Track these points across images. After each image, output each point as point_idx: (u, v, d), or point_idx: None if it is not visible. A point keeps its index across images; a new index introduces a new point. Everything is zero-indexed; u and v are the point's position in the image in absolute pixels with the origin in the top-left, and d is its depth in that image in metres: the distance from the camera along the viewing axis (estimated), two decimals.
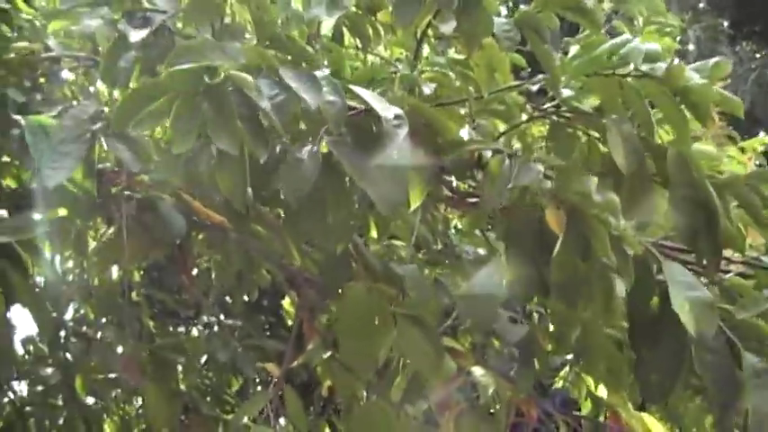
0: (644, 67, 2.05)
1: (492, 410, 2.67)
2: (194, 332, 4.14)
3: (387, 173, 1.81)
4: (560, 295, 1.88)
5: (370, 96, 1.87)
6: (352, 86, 1.91)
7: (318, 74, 1.86)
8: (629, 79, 2.07)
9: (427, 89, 2.28)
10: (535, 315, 3.02)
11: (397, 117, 1.81)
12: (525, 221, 1.94)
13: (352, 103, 1.93)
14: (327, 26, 2.52)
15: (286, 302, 3.64)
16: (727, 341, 1.74)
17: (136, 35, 2.04)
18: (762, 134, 8.47)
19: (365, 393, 2.64)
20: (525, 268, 1.91)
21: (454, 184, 2.47)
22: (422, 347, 2.04)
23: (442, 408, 2.39)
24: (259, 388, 4.09)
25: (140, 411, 3.73)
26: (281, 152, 1.92)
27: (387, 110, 1.82)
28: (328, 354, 2.56)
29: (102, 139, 1.99)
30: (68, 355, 3.20)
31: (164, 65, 1.78)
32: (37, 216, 1.97)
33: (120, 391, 3.60)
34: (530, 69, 2.52)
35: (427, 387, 2.39)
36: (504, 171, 1.90)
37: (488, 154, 2.03)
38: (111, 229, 2.54)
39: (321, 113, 1.81)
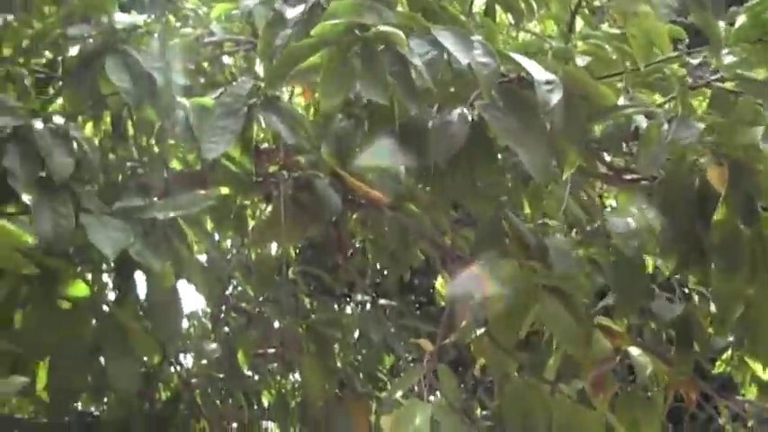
0: None
1: (649, 393, 2.62)
2: (348, 310, 4.22)
3: (539, 138, 1.80)
4: (720, 259, 1.81)
5: (524, 60, 1.85)
6: (504, 51, 1.90)
7: (473, 37, 1.85)
8: None
9: (581, 62, 2.24)
10: (695, 296, 2.93)
11: (550, 82, 1.78)
12: (683, 187, 1.88)
13: (504, 71, 1.92)
14: (479, 2, 2.51)
15: (438, 282, 3.66)
16: None
17: (292, 12, 2.10)
18: None
19: (517, 372, 2.63)
20: (681, 233, 1.86)
21: (609, 160, 2.42)
22: (565, 320, 2.01)
23: (597, 388, 2.35)
24: (411, 366, 4.12)
25: (296, 385, 3.84)
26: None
27: (540, 74, 1.80)
28: (480, 331, 2.56)
29: (259, 115, 2.05)
30: (228, 330, 3.33)
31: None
32: (201, 193, 2.05)
33: (276, 365, 3.71)
34: (690, 43, 2.44)
35: (582, 367, 2.36)
36: (662, 135, 1.85)
37: (644, 126, 1.98)
38: (269, 208, 2.62)
39: (473, 76, 1.81)
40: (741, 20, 2.05)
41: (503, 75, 1.93)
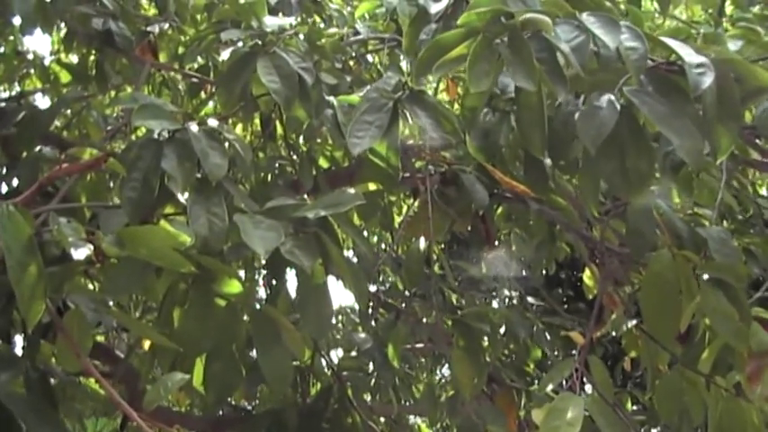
0: None
1: None
2: (494, 305, 4.20)
3: (691, 123, 1.73)
4: None
5: (674, 43, 1.79)
6: (653, 35, 1.85)
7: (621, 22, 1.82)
8: None
9: (733, 46, 2.15)
10: None
11: (701, 65, 1.72)
12: None
13: (653, 56, 1.87)
14: None
15: (585, 276, 3.59)
16: None
17: (436, 7, 2.10)
18: None
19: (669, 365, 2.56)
20: None
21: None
22: (725, 311, 1.94)
23: (754, 381, 2.26)
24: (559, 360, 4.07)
25: (443, 380, 3.85)
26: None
27: (691, 57, 1.73)
28: (632, 324, 2.51)
29: (405, 110, 2.06)
30: (377, 326, 3.36)
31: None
32: (351, 191, 2.07)
33: (424, 360, 3.74)
34: None
35: (738, 359, 2.28)
36: None
37: None
38: (416, 203, 2.63)
39: (620, 62, 1.77)
40: None
41: (651, 59, 1.87)
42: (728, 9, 2.90)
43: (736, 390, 2.34)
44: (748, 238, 2.77)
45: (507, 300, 4.11)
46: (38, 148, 2.72)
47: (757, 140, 2.34)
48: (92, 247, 1.70)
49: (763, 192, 3.11)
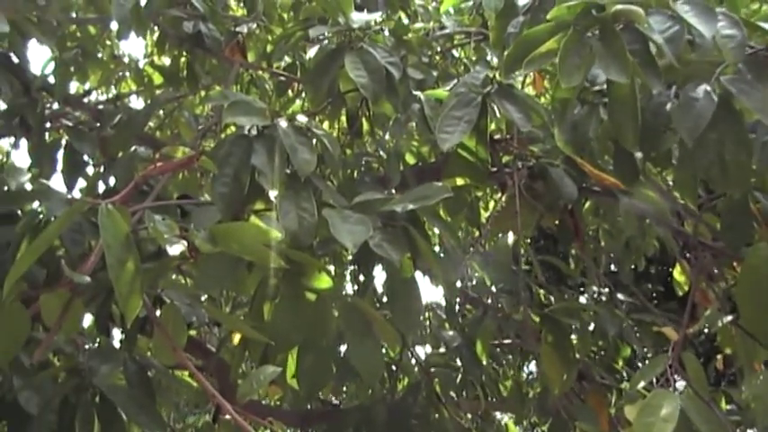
0: None
1: None
2: (582, 300, 4.15)
3: None
4: None
5: None
6: (751, 21, 1.80)
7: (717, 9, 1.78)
8: None
9: None
10: None
11: None
12: None
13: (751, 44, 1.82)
14: None
15: (676, 271, 3.52)
16: None
17: (523, 0, 2.08)
18: None
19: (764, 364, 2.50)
20: None
21: None
22: None
23: None
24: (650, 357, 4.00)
25: (531, 377, 3.81)
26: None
27: None
28: (728, 320, 2.45)
29: (494, 104, 2.05)
30: (465, 321, 3.35)
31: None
32: (438, 185, 2.07)
33: (510, 357, 3.71)
34: None
35: None
36: None
37: None
38: (504, 198, 2.62)
39: (716, 50, 1.73)
40: None
41: (750, 46, 1.83)
42: None
43: None
44: None
45: (596, 296, 4.05)
46: (133, 148, 2.79)
47: None
48: (185, 243, 1.73)
49: None
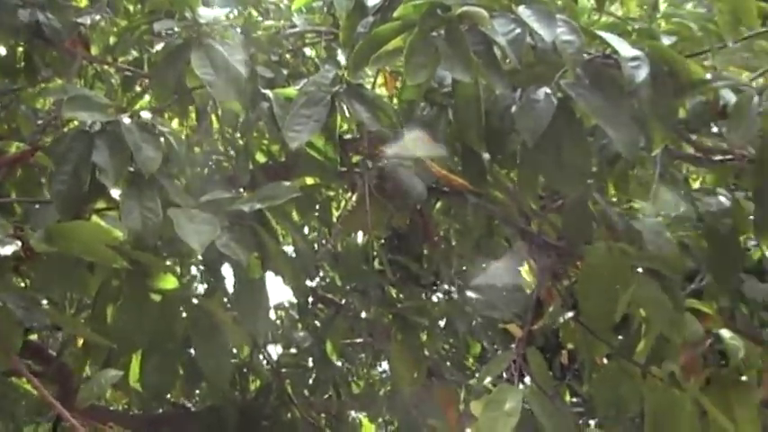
0: None
1: (743, 377, 2.55)
2: (434, 299, 4.20)
3: (627, 116, 1.76)
4: None
5: (610, 37, 1.81)
6: (589, 29, 1.87)
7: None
8: None
9: (667, 41, 2.18)
10: None
11: (636, 58, 1.74)
12: None
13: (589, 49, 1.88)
14: None
15: (524, 269, 3.61)
16: None
17: (373, 0, 2.09)
18: None
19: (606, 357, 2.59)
20: None
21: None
22: (660, 300, 1.97)
23: (688, 371, 2.30)
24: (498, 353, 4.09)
25: (384, 375, 3.84)
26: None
27: (626, 50, 1.76)
28: (569, 315, 2.53)
29: (343, 104, 2.04)
30: (317, 321, 3.35)
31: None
32: (286, 185, 2.05)
33: (363, 356, 3.73)
34: None
35: (672, 350, 2.31)
36: (753, 109, 1.79)
37: (733, 103, 1.91)
38: (354, 198, 2.62)
39: (557, 55, 1.78)
40: None
41: (587, 53, 1.89)
42: (663, 6, 2.94)
43: (670, 379, 2.38)
44: (682, 231, 2.81)
45: (447, 294, 4.11)
46: None
47: (692, 135, 2.37)
48: (20, 243, 1.66)
49: (696, 186, 3.15)
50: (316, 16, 2.77)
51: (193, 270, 3.14)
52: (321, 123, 2.00)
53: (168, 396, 2.93)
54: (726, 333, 2.33)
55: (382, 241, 3.90)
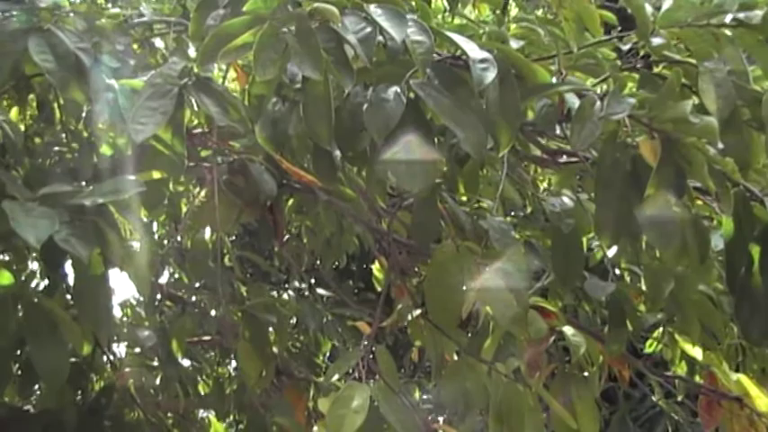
0: (740, 16, 1.96)
1: (584, 372, 2.65)
2: (285, 297, 4.19)
3: (475, 117, 1.79)
4: (651, 235, 1.84)
5: (459, 38, 1.84)
6: (439, 29, 1.89)
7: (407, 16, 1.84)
8: (723, 30, 1.99)
9: (515, 44, 2.24)
10: (627, 277, 2.98)
11: (485, 60, 1.78)
12: (616, 164, 1.90)
13: (439, 50, 1.91)
14: None
15: (375, 268, 3.65)
16: None
17: None
18: None
19: (455, 354, 2.64)
20: (614, 208, 1.88)
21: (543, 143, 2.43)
22: (505, 299, 2.01)
23: (533, 367, 2.37)
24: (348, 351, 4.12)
25: (233, 374, 3.80)
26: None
27: (475, 52, 1.79)
28: (417, 313, 2.57)
29: (191, 97, 2.00)
30: (163, 318, 3.28)
31: None
32: (131, 178, 1.99)
33: (212, 354, 3.67)
34: (621, 28, 2.46)
35: (518, 346, 2.38)
36: (595, 112, 1.86)
37: (576, 106, 1.98)
38: (203, 193, 2.58)
39: (407, 55, 1.80)
40: (668, 3, 2.06)
41: (438, 54, 1.91)
42: (515, 10, 3.02)
43: (515, 375, 2.45)
44: (529, 230, 2.89)
45: (297, 292, 4.11)
46: None
47: (540, 138, 2.44)
48: None
49: (544, 187, 3.25)
50: (165, 6, 2.70)
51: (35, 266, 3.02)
52: (168, 116, 1.95)
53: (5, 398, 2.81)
54: (569, 330, 2.42)
55: (233, 238, 3.86)
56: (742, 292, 1.86)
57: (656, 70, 2.15)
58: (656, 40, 2.08)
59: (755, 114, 1.91)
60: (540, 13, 2.94)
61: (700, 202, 2.17)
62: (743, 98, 1.93)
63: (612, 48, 2.32)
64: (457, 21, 3.01)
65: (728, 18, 1.97)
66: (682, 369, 2.95)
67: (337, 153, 2.18)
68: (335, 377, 2.27)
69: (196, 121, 2.58)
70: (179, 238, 3.05)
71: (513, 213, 3.21)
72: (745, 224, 1.88)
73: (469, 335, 2.57)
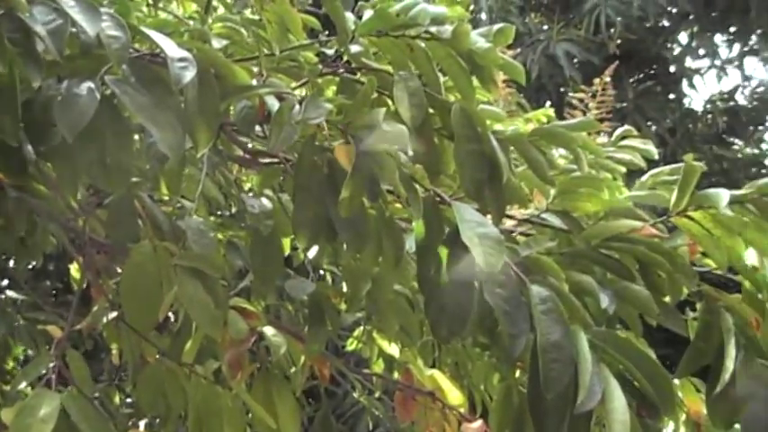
0: (432, 29, 2.07)
1: (286, 372, 2.69)
2: None
3: (173, 116, 1.76)
4: (348, 237, 1.90)
5: (157, 36, 1.80)
6: (137, 26, 1.84)
7: (102, 9, 1.77)
8: (417, 41, 2.09)
9: (218, 44, 2.23)
10: (328, 277, 3.07)
11: (184, 59, 1.75)
12: (313, 166, 1.95)
13: (138, 47, 1.87)
14: None
15: (73, 268, 3.50)
16: (515, 275, 1.80)
17: None
18: (548, 104, 8.85)
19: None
20: (311, 210, 1.93)
21: (249, 145, 2.44)
22: (201, 300, 2.00)
23: (233, 368, 2.38)
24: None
25: None
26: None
27: (174, 50, 1.76)
28: (113, 315, 2.50)
29: None
30: None
31: None
32: None
33: None
34: (327, 33, 2.52)
35: (219, 348, 2.38)
36: (293, 116, 1.89)
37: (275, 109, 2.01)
38: None
39: (102, 49, 1.73)
40: (368, 13, 2.14)
41: (136, 50, 1.86)
42: (221, 10, 3.01)
43: (216, 377, 2.44)
44: (233, 231, 2.89)
45: None
46: None
47: (244, 138, 2.44)
48: None
49: (249, 187, 3.27)
50: None
51: None
52: None
53: None
54: (269, 330, 2.45)
55: None
56: (431, 291, 1.95)
57: (358, 76, 2.22)
58: (355, 48, 2.15)
59: (446, 123, 2.03)
60: (248, 13, 2.95)
61: (399, 206, 2.28)
62: (434, 107, 2.05)
63: (316, 52, 2.37)
64: (164, 16, 2.96)
65: (422, 31, 2.07)
66: (379, 366, 3.08)
67: (29, 148, 2.06)
68: (23, 384, 2.15)
69: None
70: None
71: (219, 213, 3.20)
72: (434, 227, 1.99)
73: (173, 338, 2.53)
